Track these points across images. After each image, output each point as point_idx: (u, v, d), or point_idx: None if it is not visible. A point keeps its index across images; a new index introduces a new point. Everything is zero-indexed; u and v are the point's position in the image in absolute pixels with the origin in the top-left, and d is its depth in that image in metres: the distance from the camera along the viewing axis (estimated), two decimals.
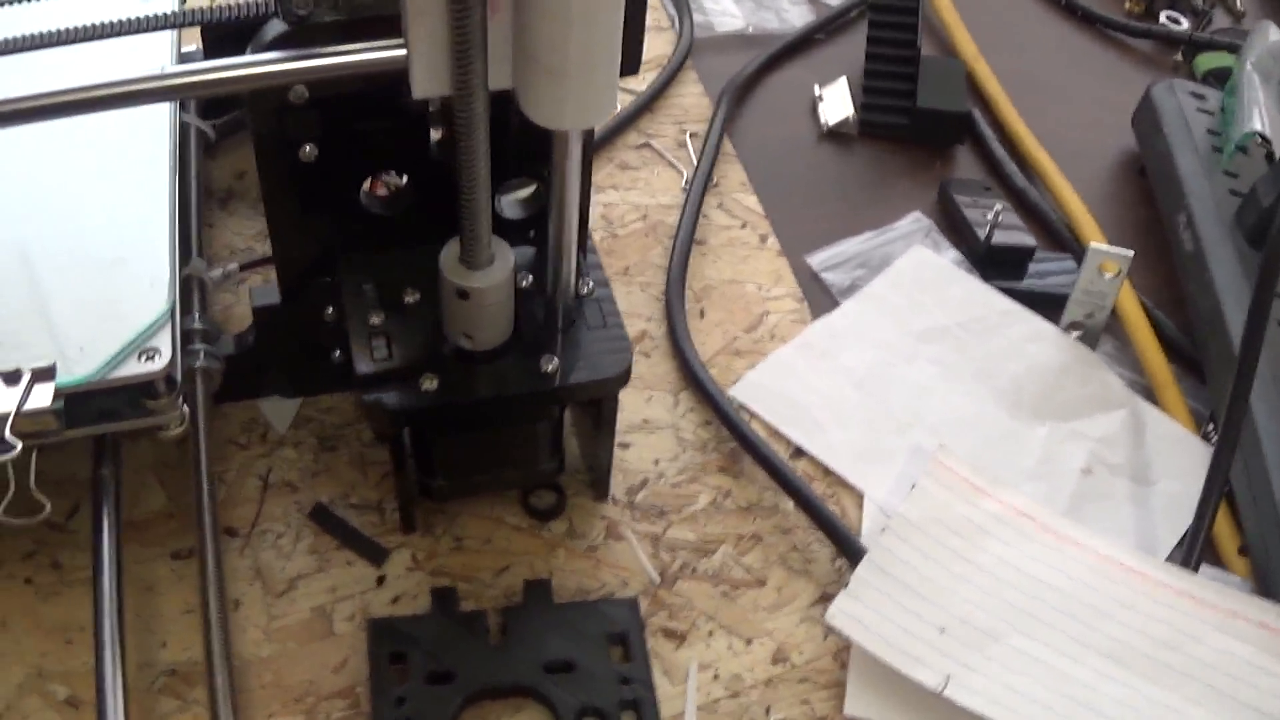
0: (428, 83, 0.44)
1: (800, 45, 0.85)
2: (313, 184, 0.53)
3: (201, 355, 0.56)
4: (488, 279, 0.49)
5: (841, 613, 0.53)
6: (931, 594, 0.55)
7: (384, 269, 0.54)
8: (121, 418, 0.51)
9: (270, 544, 0.56)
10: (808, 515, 0.57)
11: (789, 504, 0.58)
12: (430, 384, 0.51)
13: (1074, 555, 0.57)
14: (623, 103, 0.78)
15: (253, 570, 0.55)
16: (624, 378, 0.53)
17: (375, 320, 0.53)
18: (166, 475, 0.57)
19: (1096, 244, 0.63)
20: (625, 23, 0.44)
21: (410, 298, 0.54)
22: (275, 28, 0.48)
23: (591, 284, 0.55)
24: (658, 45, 0.83)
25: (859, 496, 0.60)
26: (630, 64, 0.48)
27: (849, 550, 0.56)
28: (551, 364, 0.52)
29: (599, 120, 0.45)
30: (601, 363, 0.52)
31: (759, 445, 0.59)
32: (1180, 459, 0.62)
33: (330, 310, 0.56)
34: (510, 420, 0.53)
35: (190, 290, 0.58)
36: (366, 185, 0.55)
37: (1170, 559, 0.58)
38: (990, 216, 0.70)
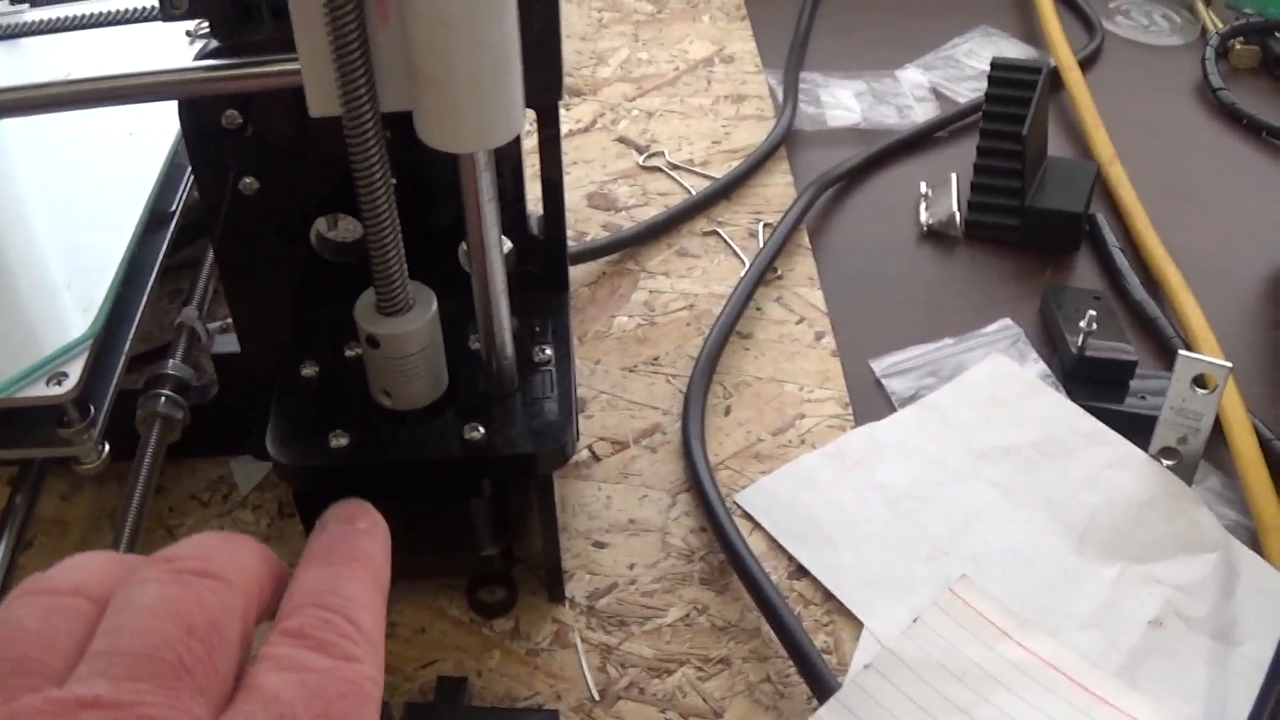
0: (321, 100, 0.41)
1: (916, 143, 0.78)
2: (256, 221, 0.50)
3: (162, 400, 0.54)
4: (399, 326, 0.45)
5: None
6: None
7: (338, 321, 0.51)
8: (30, 444, 0.49)
9: None
10: (779, 639, 0.49)
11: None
12: (339, 441, 0.46)
13: None
14: (696, 188, 0.73)
15: None
16: (555, 457, 0.47)
17: (307, 372, 0.50)
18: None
19: (1187, 353, 0.53)
20: (530, 30, 0.39)
21: (352, 352, 0.50)
22: (211, 45, 0.46)
23: (549, 352, 0.50)
24: (755, 135, 0.78)
25: (861, 629, 0.51)
26: (544, 84, 0.43)
27: (818, 686, 0.47)
28: (476, 432, 0.46)
29: (498, 140, 0.40)
30: (530, 438, 0.47)
31: (743, 556, 0.51)
32: (1278, 618, 0.50)
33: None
34: (431, 492, 0.48)
35: (179, 338, 0.57)
36: (321, 228, 0.52)
37: None
38: (1085, 324, 0.60)
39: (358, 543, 0.37)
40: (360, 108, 0.40)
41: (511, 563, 0.52)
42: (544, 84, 0.43)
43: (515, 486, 0.50)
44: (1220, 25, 0.87)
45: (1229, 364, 0.52)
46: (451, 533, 0.50)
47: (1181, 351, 0.53)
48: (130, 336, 0.53)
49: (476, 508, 0.49)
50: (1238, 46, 0.84)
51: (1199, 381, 0.53)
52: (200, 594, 0.30)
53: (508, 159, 0.49)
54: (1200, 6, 0.90)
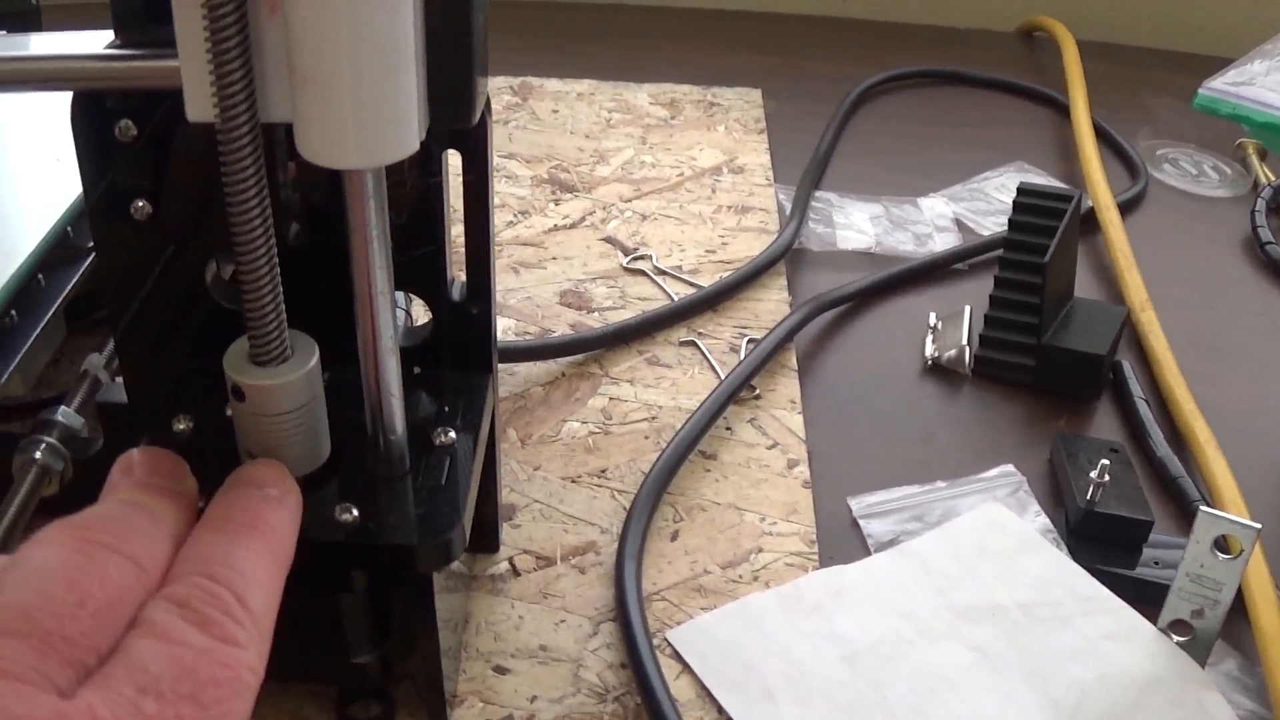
0: (201, 103, 0.36)
1: (931, 273, 0.73)
2: (147, 254, 0.45)
3: (42, 447, 0.49)
4: (269, 377, 0.39)
5: None
6: None
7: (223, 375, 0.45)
8: None
9: None
10: None
11: None
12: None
13: None
14: (678, 294, 0.68)
15: None
16: (437, 554, 0.41)
17: (180, 427, 0.44)
18: None
19: (1209, 510, 0.47)
20: (430, 17, 0.35)
21: (231, 409, 0.45)
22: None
23: (452, 435, 0.44)
24: (754, 248, 0.73)
25: None
26: (447, 96, 0.38)
27: None
28: (348, 514, 0.41)
29: (384, 156, 0.35)
30: (411, 528, 0.41)
31: (660, 701, 0.44)
32: None
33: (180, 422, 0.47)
34: (295, 578, 0.42)
35: (80, 386, 0.53)
36: (217, 269, 0.47)
37: None
38: (1096, 475, 0.54)
39: (262, 510, 0.35)
40: (234, 111, 0.35)
41: (392, 676, 0.45)
42: (446, 96, 0.37)
43: (398, 585, 0.44)
44: (1274, 179, 0.82)
45: (1258, 525, 0.46)
46: (319, 631, 0.44)
47: (1203, 508, 0.47)
48: (8, 373, 0.49)
49: (348, 604, 0.43)
50: None
51: (1220, 545, 0.47)
52: (106, 569, 0.30)
53: (424, 201, 0.44)
54: (1254, 160, 0.85)
